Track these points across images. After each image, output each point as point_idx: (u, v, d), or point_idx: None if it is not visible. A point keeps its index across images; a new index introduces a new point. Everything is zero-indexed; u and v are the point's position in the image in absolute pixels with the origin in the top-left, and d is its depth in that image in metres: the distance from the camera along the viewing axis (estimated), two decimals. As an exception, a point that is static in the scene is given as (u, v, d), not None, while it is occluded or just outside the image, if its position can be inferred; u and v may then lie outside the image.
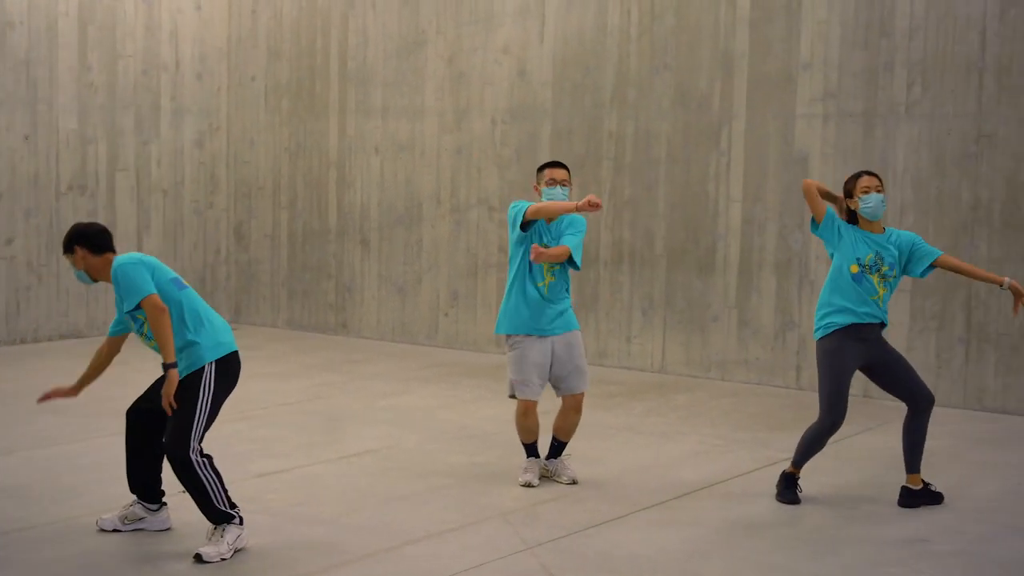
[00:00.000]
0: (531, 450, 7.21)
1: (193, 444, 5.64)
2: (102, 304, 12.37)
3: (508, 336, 7.13)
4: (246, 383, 9.89)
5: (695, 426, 8.80)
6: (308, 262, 13.36)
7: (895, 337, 9.76)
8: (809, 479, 7.25)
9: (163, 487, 6.10)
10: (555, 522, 6.28)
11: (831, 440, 8.36)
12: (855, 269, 6.67)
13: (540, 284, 7.03)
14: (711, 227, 10.68)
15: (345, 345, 12.44)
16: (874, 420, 9.01)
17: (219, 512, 5.66)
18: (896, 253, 6.75)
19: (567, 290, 7.16)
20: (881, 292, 6.72)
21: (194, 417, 5.65)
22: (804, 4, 10.15)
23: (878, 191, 6.70)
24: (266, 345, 12.24)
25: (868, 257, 6.68)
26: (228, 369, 5.87)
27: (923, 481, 6.76)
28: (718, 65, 10.59)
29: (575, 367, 7.12)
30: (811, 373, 10.19)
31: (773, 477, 7.28)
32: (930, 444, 8.19)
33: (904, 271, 6.79)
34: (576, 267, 7.04)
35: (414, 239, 12.49)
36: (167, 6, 13.01)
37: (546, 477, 7.21)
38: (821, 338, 6.75)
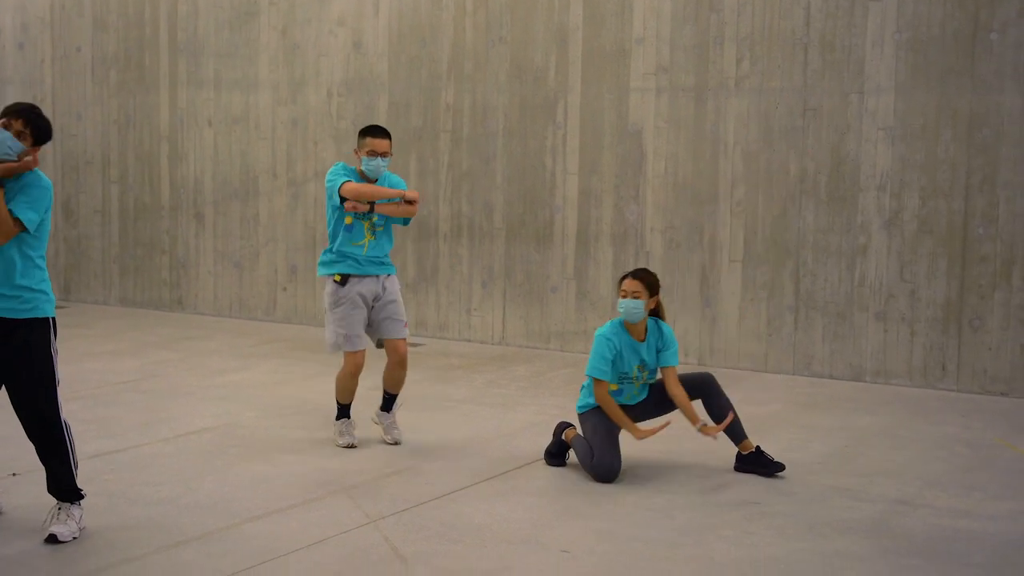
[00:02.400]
0: (345, 411, 7.42)
1: (60, 404, 5.53)
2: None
3: (335, 287, 7.23)
4: (79, 362, 9.68)
5: (535, 396, 8.89)
6: (140, 238, 13.05)
7: (728, 306, 10.03)
8: (646, 446, 7.40)
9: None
10: (398, 495, 6.29)
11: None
12: (614, 387, 6.80)
13: (358, 243, 7.20)
14: (548, 200, 10.78)
15: (181, 322, 12.21)
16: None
17: (74, 487, 5.54)
18: (655, 350, 6.88)
19: (387, 250, 7.36)
20: (638, 386, 6.90)
21: (55, 375, 5.52)
22: (637, -21, 10.30)
23: (635, 296, 6.70)
24: (98, 323, 11.94)
25: (635, 368, 6.81)
26: (57, 329, 5.70)
27: (756, 447, 6.92)
28: (553, 39, 10.67)
29: (395, 318, 7.31)
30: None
31: (611, 445, 7.42)
32: (761, 409, 8.45)
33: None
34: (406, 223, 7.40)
35: (250, 213, 12.31)
36: (-14, -27, 12.53)
37: (376, 424, 7.55)
38: (584, 411, 6.90)
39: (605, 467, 6.62)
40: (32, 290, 5.46)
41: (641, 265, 10.31)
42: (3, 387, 5.54)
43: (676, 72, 10.19)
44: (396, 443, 7.37)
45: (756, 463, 6.84)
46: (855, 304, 9.62)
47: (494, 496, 6.33)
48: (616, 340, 6.77)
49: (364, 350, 7.29)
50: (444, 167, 11.22)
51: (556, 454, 7.02)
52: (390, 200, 7.17)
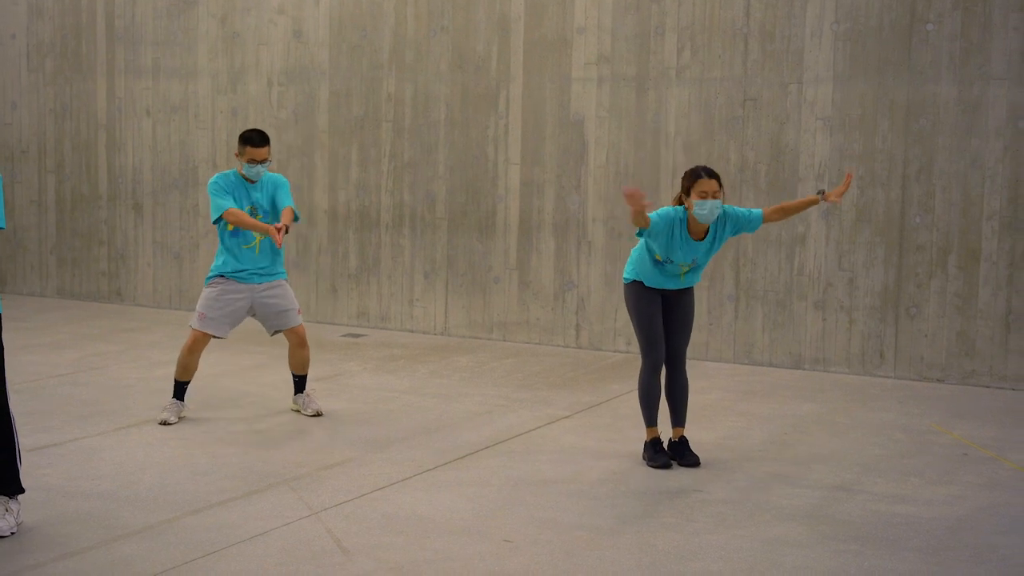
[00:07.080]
0: (180, 392, 7.69)
1: (9, 395, 5.50)
2: None
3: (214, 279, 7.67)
4: (16, 354, 9.55)
5: (478, 387, 8.90)
6: (78, 228, 12.90)
7: (669, 295, 10.07)
8: (590, 436, 7.43)
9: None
10: (340, 487, 6.27)
11: (609, 396, 8.61)
12: (659, 258, 6.73)
13: (249, 246, 7.58)
14: (491, 190, 10.78)
15: (120, 313, 12.09)
16: (650, 376, 9.28)
17: (17, 479, 5.49)
18: (712, 247, 6.74)
19: (279, 254, 7.76)
20: (684, 272, 6.78)
21: (3, 367, 5.47)
22: (578, -31, 10.31)
23: (715, 196, 6.52)
24: (34, 316, 11.79)
25: (683, 263, 6.72)
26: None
27: (682, 437, 6.93)
28: (494, 28, 10.66)
29: (285, 309, 7.68)
30: (590, 332, 10.43)
31: (555, 435, 7.44)
32: (702, 398, 8.52)
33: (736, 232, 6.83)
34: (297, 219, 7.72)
35: (190, 204, 12.20)
36: (-82, -41, 12.30)
37: (296, 411, 7.89)
38: (628, 282, 6.88)
39: (652, 362, 6.75)
40: None
41: (583, 257, 10.34)
42: None
43: (617, 62, 10.22)
44: (318, 414, 7.77)
45: (678, 451, 6.87)
46: (794, 293, 9.70)
47: (436, 487, 6.33)
48: (677, 228, 6.64)
49: (210, 337, 7.59)
50: (386, 157, 11.18)
51: (656, 453, 6.83)
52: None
